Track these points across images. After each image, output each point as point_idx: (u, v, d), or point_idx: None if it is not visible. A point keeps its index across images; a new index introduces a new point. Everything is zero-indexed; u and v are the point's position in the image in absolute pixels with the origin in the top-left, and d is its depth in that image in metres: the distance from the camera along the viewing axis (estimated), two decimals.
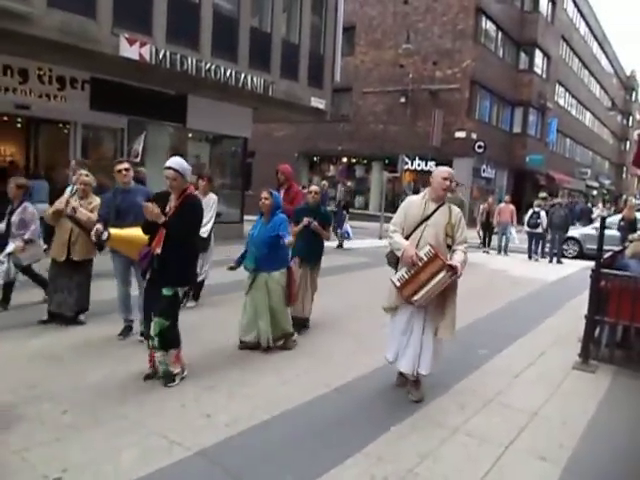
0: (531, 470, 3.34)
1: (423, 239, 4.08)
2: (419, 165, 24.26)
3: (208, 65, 12.07)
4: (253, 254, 5.15)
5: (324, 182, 19.45)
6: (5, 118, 11.42)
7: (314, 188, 6.26)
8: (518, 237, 15.52)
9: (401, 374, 4.43)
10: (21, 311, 6.11)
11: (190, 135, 14.34)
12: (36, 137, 11.64)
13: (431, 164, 23.16)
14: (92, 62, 10.38)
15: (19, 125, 11.73)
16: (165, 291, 4.17)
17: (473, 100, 24.63)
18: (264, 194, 5.15)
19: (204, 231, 6.27)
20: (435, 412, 4.02)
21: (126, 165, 5.38)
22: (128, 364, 4.59)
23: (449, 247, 4.14)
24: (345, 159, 27.42)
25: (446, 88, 24.03)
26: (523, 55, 28.92)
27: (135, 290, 5.43)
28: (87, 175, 5.86)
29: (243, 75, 12.97)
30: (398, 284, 4.06)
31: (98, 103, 11.42)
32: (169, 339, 4.25)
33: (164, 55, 11.08)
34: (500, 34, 26.66)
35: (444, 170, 4.25)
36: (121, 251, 5.13)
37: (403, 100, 24.66)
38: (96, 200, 5.74)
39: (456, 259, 4.05)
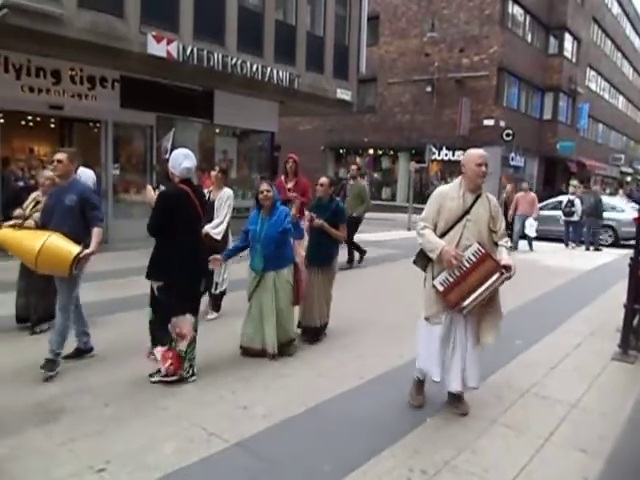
0: (571, 462, 3.29)
1: (464, 237, 3.57)
2: (446, 155, 23.97)
3: (234, 60, 12.14)
4: (259, 253, 4.71)
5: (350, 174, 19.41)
6: (39, 119, 11.71)
7: (322, 180, 5.42)
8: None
9: (420, 387, 3.99)
10: None
11: (217, 131, 14.45)
12: (69, 136, 11.89)
13: (459, 153, 22.81)
14: (121, 61, 10.54)
15: (53, 125, 12.01)
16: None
17: (501, 87, 24.16)
18: (265, 186, 4.78)
19: (217, 232, 5.76)
20: (471, 403, 3.99)
21: (59, 156, 4.38)
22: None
23: (495, 244, 3.66)
24: (371, 151, 27.28)
25: (473, 75, 23.63)
26: (552, 39, 28.19)
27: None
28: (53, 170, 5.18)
29: (269, 69, 13.00)
30: (441, 289, 3.58)
31: (128, 101, 11.60)
32: (153, 332, 4.22)
33: (191, 52, 11.19)
34: (528, 18, 26.05)
35: (476, 154, 3.68)
36: (13, 253, 4.46)
37: (429, 89, 24.35)
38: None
39: (505, 256, 3.60)
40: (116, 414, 3.64)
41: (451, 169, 23.34)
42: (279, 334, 4.78)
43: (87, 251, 4.21)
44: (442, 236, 3.62)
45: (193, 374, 4.26)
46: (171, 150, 11.46)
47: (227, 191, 6.00)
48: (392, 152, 26.75)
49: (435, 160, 23.66)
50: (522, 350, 5.33)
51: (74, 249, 4.11)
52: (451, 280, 3.56)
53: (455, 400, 3.89)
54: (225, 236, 5.92)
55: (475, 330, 3.71)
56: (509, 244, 3.76)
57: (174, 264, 4.09)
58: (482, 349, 3.82)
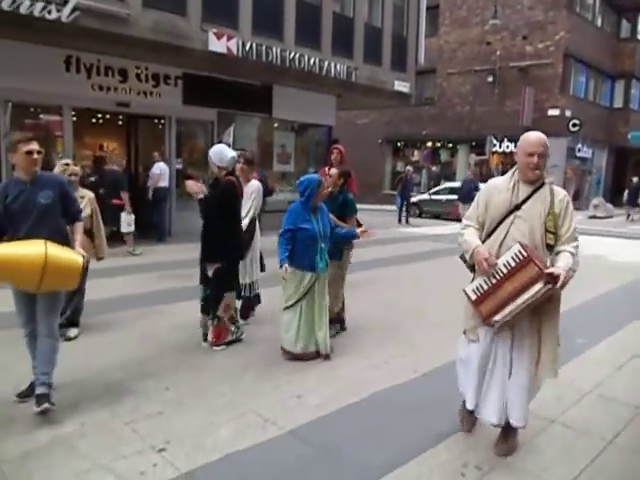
0: (637, 467, 3.15)
1: (510, 236, 2.96)
2: (508, 147, 23.18)
3: (292, 54, 12.24)
4: (323, 252, 4.51)
5: (409, 167, 19.22)
6: (108, 116, 12.27)
7: (331, 171, 5.37)
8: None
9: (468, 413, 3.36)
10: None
11: (276, 125, 14.64)
12: (135, 132, 12.41)
13: None
14: (183, 58, 10.86)
15: (120, 122, 12.55)
16: (204, 265, 4.78)
17: (567, 75, 23.11)
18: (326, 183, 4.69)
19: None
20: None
21: (36, 146, 3.47)
22: (236, 349, 4.82)
23: (549, 247, 2.97)
24: (430, 143, 26.81)
25: (537, 64, 22.72)
26: (625, 22, 26.70)
27: None
28: (76, 164, 5.27)
29: (326, 62, 13.03)
30: (474, 297, 3.00)
31: (190, 97, 11.95)
32: (207, 308, 4.83)
33: (250, 47, 11.37)
34: (598, 1, 24.76)
35: (528, 141, 3.03)
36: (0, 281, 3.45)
37: (490, 79, 23.64)
38: (88, 194, 5.22)
39: (560, 265, 2.86)
40: (176, 398, 3.80)
41: (513, 161, 22.52)
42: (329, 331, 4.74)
43: (82, 252, 3.54)
44: (489, 237, 3.07)
45: (242, 333, 4.99)
46: (233, 145, 11.72)
47: (254, 184, 5.64)
48: (451, 144, 26.16)
49: (496, 152, 22.98)
50: (585, 349, 5.12)
51: (77, 256, 3.44)
52: (485, 288, 2.97)
53: (499, 439, 3.24)
54: (251, 230, 5.52)
55: (526, 355, 3.04)
56: (576, 250, 3.00)
57: (229, 248, 4.69)
58: (538, 382, 3.13)
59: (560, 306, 3.07)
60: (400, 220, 17.29)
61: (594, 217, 20.86)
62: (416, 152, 27.37)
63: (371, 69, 14.57)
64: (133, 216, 9.55)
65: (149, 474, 2.85)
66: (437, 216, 18.78)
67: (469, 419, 3.40)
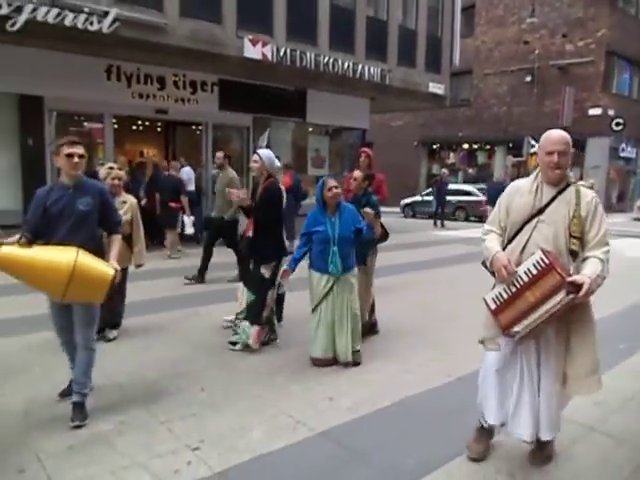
0: None
1: (533, 242, 2.78)
2: None
3: (326, 59, 12.31)
4: (337, 255, 4.40)
5: (444, 170, 19.00)
6: (147, 123, 12.61)
7: (355, 174, 5.28)
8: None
9: (482, 434, 3.15)
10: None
11: (310, 129, 14.73)
12: (173, 138, 12.71)
13: None
14: (219, 65, 11.08)
15: (159, 129, 12.87)
16: (253, 268, 4.86)
17: (609, 73, 22.49)
18: (332, 183, 4.42)
19: None
20: (567, 407, 3.80)
21: (81, 149, 3.44)
22: (268, 351, 4.88)
23: (573, 253, 2.75)
24: (466, 145, 26.48)
25: (577, 62, 22.21)
26: None
27: None
28: (120, 168, 5.28)
29: (360, 66, 13.05)
30: (493, 306, 2.85)
31: (226, 104, 12.17)
32: (254, 313, 4.83)
33: (284, 53, 11.49)
34: None
35: (548, 139, 2.83)
36: (25, 283, 3.26)
37: (529, 79, 23.21)
38: (130, 200, 5.14)
39: (586, 272, 2.64)
40: (210, 398, 3.86)
41: None
42: (353, 340, 4.51)
43: (116, 266, 3.46)
44: (510, 242, 2.91)
45: (276, 337, 5.08)
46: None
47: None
48: (488, 146, 25.79)
49: (534, 153, 22.45)
50: (627, 355, 4.96)
51: (108, 269, 3.33)
52: (505, 296, 2.79)
53: (532, 454, 3.08)
54: None
55: (554, 367, 2.84)
56: (606, 256, 2.75)
57: (278, 248, 4.90)
58: (567, 398, 2.96)
59: (591, 313, 2.84)
60: (435, 223, 17.12)
61: (638, 219, 20.16)
62: (452, 154, 27.08)
63: (405, 71, 14.50)
64: (192, 218, 9.95)
65: (183, 472, 2.91)
66: (431, 216, 18.58)
67: (483, 440, 3.14)
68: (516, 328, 2.73)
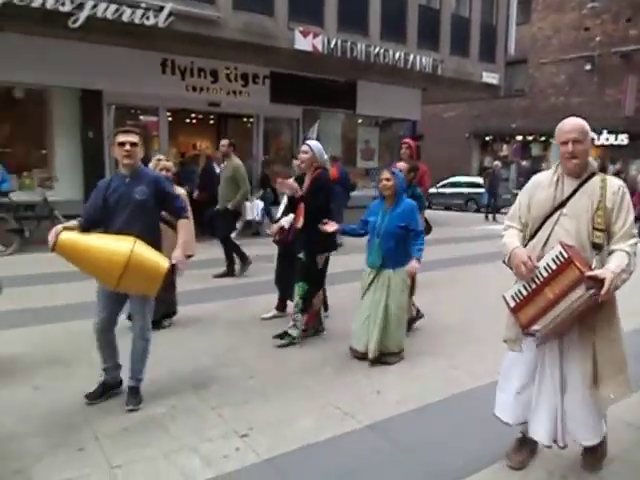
0: None
1: (554, 237, 2.64)
2: (607, 139, 21.71)
3: (377, 49, 12.20)
4: (378, 248, 4.36)
5: (496, 162, 18.54)
6: (200, 116, 12.87)
7: (400, 165, 5.26)
8: None
9: (522, 442, 3.01)
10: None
11: (360, 121, 14.66)
12: (225, 131, 12.92)
13: (622, 137, 20.63)
14: (271, 57, 11.17)
15: (211, 121, 13.12)
16: (303, 257, 4.78)
17: None
18: (385, 174, 4.36)
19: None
20: (622, 411, 3.65)
21: (133, 137, 3.49)
22: (306, 339, 4.94)
23: (597, 246, 2.58)
24: (520, 137, 25.67)
25: None
26: None
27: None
28: (168, 160, 5.26)
29: (412, 56, 12.88)
30: (512, 304, 2.73)
31: (277, 96, 12.27)
32: (307, 304, 4.82)
33: (335, 44, 11.47)
34: None
35: (561, 128, 2.69)
36: (81, 269, 3.34)
37: (588, 67, 22.21)
38: (179, 190, 4.97)
39: (611, 266, 2.50)
40: (259, 386, 3.94)
41: (613, 155, 21.12)
42: (383, 339, 4.36)
43: (178, 256, 3.55)
44: (532, 238, 2.77)
45: (324, 329, 5.13)
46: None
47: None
48: (543, 138, 24.89)
49: (594, 145, 21.59)
50: None
51: (163, 261, 3.34)
52: (524, 293, 2.66)
53: (584, 453, 2.93)
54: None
55: (581, 368, 2.67)
56: (633, 249, 2.58)
57: (330, 239, 4.85)
58: (602, 400, 2.72)
59: (616, 311, 2.69)
60: (487, 217, 16.74)
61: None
62: (505, 146, 26.32)
63: (458, 61, 14.20)
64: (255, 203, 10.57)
65: (232, 458, 2.98)
66: (448, 208, 19.76)
67: (523, 450, 2.98)
68: (536, 326, 2.62)
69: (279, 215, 5.68)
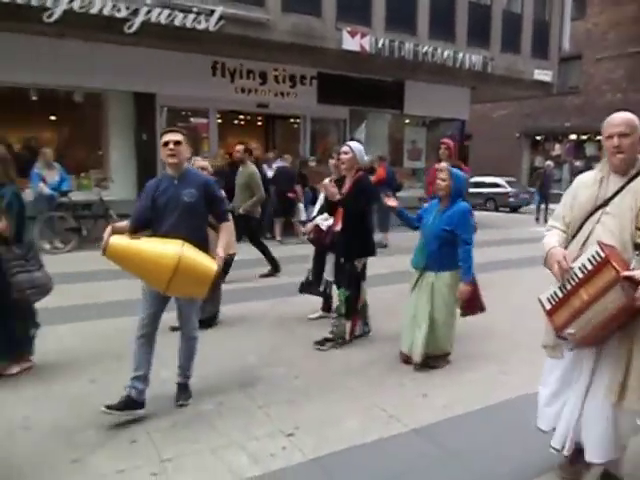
0: None
1: (595, 236, 2.50)
2: None
3: (425, 48, 12.07)
4: (422, 248, 4.29)
5: (548, 162, 17.97)
6: (249, 117, 13.06)
7: (440, 166, 5.27)
8: None
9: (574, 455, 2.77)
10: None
11: (407, 121, 14.52)
12: (273, 132, 13.07)
13: None
14: (318, 58, 11.22)
15: (259, 122, 13.29)
16: (345, 264, 4.70)
17: None
18: (442, 173, 4.21)
19: (327, 224, 5.38)
20: None
21: (176, 136, 3.45)
22: (353, 341, 4.93)
23: (638, 247, 2.44)
24: (573, 136, 24.80)
25: None
26: None
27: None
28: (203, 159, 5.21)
29: (461, 54, 12.66)
30: (548, 306, 2.60)
31: (324, 97, 12.32)
32: (350, 309, 4.75)
33: (383, 44, 11.42)
34: None
35: (608, 122, 2.57)
36: (131, 273, 3.35)
37: None
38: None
39: None
40: (305, 386, 3.96)
41: None
42: (429, 343, 4.23)
43: (222, 254, 3.50)
44: (574, 238, 2.64)
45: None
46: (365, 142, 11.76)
47: None
48: (599, 137, 23.94)
49: None
50: None
51: (212, 264, 3.33)
52: (560, 295, 2.53)
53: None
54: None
55: (611, 377, 2.49)
56: None
57: (369, 244, 4.80)
58: (624, 410, 2.50)
59: None
60: (538, 219, 16.25)
61: None
62: (557, 146, 25.50)
63: (508, 58, 13.85)
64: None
65: (278, 457, 3.01)
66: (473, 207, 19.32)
67: (578, 462, 2.76)
68: (570, 329, 2.47)
69: (315, 213, 5.67)
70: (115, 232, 3.29)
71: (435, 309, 4.22)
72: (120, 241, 3.24)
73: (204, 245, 3.49)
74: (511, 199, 19.37)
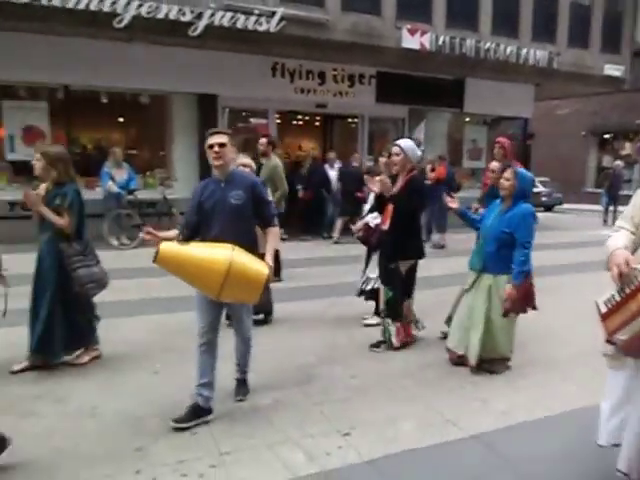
0: None
1: None
2: None
3: (487, 45, 11.78)
4: (480, 250, 4.18)
5: (618, 162, 17.13)
6: (307, 117, 13.17)
7: (493, 165, 5.03)
8: None
9: None
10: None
11: (467, 119, 14.22)
12: (331, 132, 13.11)
13: None
14: (377, 57, 11.17)
15: (317, 123, 13.38)
16: (390, 264, 4.60)
17: None
18: (507, 173, 4.05)
19: (376, 222, 5.30)
20: None
21: (221, 138, 3.40)
22: (420, 346, 4.88)
23: None
24: None
25: None
26: None
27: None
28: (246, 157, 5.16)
29: (524, 50, 12.27)
30: (604, 309, 2.45)
31: (382, 96, 12.25)
32: (393, 310, 4.64)
33: (443, 41, 11.23)
34: None
35: None
36: (182, 280, 3.27)
37: None
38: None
39: None
40: (361, 386, 3.96)
41: None
42: (486, 346, 4.14)
43: (270, 263, 3.37)
44: None
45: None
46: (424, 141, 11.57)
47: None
48: None
49: None
50: None
51: (263, 267, 3.25)
52: (617, 299, 2.37)
53: None
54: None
55: None
56: None
57: (417, 246, 4.66)
58: None
59: None
60: (605, 221, 15.50)
61: None
62: (627, 144, 24.18)
63: (576, 53, 13.29)
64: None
65: (334, 456, 3.02)
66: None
67: None
68: (620, 335, 2.34)
69: (365, 212, 5.64)
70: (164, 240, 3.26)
71: (492, 310, 4.10)
72: (170, 247, 3.19)
73: (254, 248, 3.42)
74: (544, 198, 19.37)
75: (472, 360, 4.17)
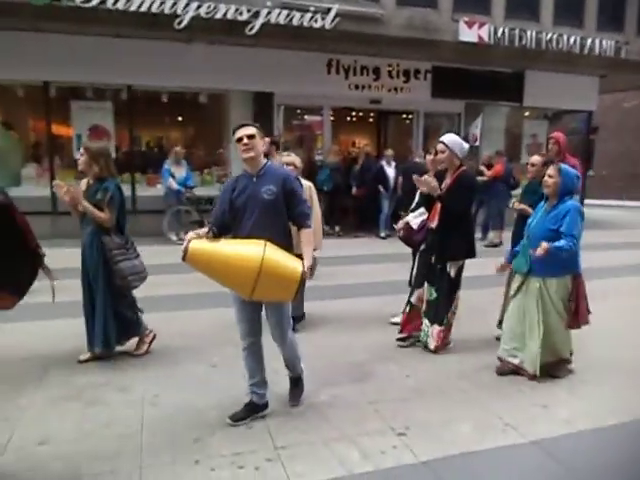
0: None
1: None
2: None
3: (549, 35, 11.34)
4: (525, 250, 3.99)
5: None
6: (361, 113, 13.13)
7: (534, 159, 4.78)
8: None
9: None
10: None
11: (526, 114, 13.76)
12: (385, 128, 13.00)
13: None
14: (433, 51, 10.98)
15: (371, 119, 13.31)
16: (436, 264, 4.44)
17: None
18: (551, 170, 3.90)
19: (417, 222, 5.08)
20: None
21: (249, 130, 3.22)
22: (463, 342, 4.80)
23: None
24: None
25: None
26: None
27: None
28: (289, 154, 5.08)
29: (589, 40, 11.73)
30: None
31: (438, 91, 12.03)
32: (434, 312, 4.50)
33: (502, 33, 10.91)
34: None
35: None
36: (213, 279, 3.14)
37: None
38: (306, 184, 4.85)
39: None
40: (416, 386, 3.93)
41: None
42: (545, 351, 3.97)
43: (306, 264, 3.15)
44: None
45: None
46: (480, 136, 11.26)
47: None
48: None
49: None
50: None
51: (297, 264, 3.07)
52: None
53: None
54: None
55: None
56: None
57: (468, 246, 4.46)
58: None
59: None
60: None
61: None
62: None
63: None
64: None
65: (389, 455, 3.01)
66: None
67: None
68: None
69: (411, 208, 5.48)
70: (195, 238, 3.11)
71: (546, 314, 3.95)
72: (200, 245, 3.04)
73: (289, 245, 3.27)
74: None
75: (531, 367, 4.01)
